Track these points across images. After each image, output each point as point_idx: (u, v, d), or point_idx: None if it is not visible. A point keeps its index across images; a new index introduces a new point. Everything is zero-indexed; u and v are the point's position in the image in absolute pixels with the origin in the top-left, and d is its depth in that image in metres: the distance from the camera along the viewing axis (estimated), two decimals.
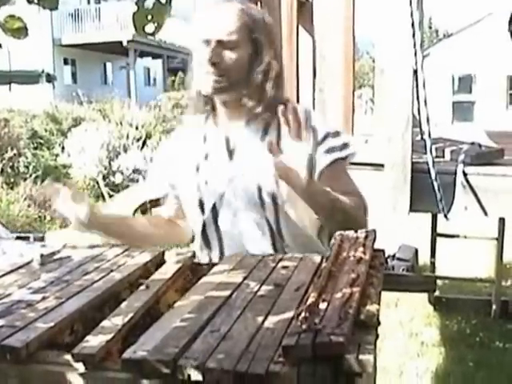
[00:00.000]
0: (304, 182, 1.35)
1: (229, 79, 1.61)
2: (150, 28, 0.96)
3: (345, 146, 1.61)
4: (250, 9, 1.66)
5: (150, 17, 0.94)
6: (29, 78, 17.40)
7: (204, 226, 1.67)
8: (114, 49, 22.14)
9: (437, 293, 4.58)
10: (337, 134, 1.63)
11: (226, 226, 1.64)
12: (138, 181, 10.21)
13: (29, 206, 8.77)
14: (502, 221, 4.43)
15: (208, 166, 1.65)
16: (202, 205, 1.66)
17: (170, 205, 1.81)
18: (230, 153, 1.64)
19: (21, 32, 1.18)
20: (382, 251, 1.22)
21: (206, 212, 1.65)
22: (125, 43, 21.23)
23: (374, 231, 1.30)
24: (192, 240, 1.78)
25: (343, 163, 1.61)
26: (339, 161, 1.59)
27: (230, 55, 1.61)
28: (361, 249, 1.14)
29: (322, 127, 1.61)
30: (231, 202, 1.61)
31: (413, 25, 2.52)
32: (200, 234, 1.69)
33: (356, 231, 1.29)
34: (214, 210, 1.64)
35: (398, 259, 5.29)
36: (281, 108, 1.40)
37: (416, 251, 5.74)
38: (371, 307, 0.91)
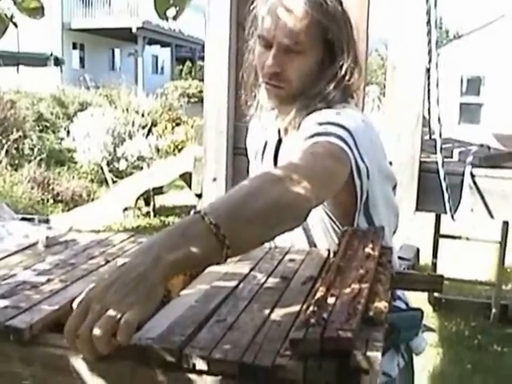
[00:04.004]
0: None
1: (291, 91, 1.36)
2: (171, 12, 0.94)
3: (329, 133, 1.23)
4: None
5: (171, 1, 0.92)
6: (37, 60, 17.49)
7: None
8: (123, 35, 22.11)
9: (436, 293, 4.58)
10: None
11: None
12: (142, 168, 10.22)
13: (32, 188, 8.81)
14: (505, 224, 4.42)
15: (264, 155, 1.53)
16: None
17: None
18: (279, 143, 1.50)
19: (37, 12, 1.17)
20: (390, 249, 1.21)
21: None
22: (134, 30, 21.21)
23: (383, 228, 1.29)
24: None
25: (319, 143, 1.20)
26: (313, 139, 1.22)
27: (295, 62, 1.33)
28: (370, 245, 1.13)
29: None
30: None
31: (428, 22, 2.50)
32: None
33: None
34: None
35: (400, 258, 5.29)
36: None
37: (417, 251, 5.75)
38: (379, 304, 0.90)
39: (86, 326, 0.78)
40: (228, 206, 0.91)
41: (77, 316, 0.80)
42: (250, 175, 1.61)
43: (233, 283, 1.06)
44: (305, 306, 0.88)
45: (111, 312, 0.78)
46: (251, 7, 1.43)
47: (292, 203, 0.98)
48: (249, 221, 0.91)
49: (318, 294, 0.89)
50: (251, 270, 1.14)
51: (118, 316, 0.77)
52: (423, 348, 1.47)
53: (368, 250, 1.10)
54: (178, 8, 0.94)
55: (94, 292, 0.82)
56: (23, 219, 1.64)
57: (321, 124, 1.27)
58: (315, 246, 1.44)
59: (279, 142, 1.51)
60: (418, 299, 4.64)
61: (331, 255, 1.19)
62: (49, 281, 1.08)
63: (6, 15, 1.23)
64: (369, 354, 0.77)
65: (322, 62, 1.36)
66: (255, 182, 1.00)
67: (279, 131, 1.51)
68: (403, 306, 1.46)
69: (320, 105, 1.35)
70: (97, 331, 0.77)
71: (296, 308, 0.94)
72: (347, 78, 1.37)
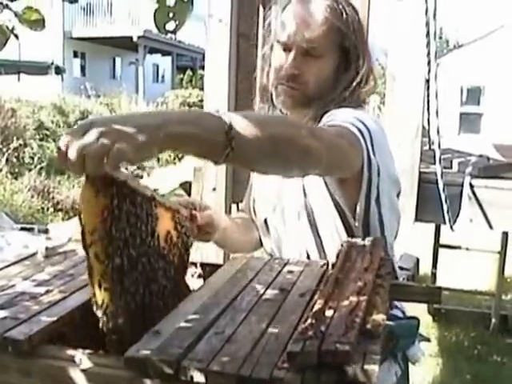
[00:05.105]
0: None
1: (307, 94, 1.38)
2: (171, 26, 0.95)
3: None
4: (342, 6, 1.37)
5: (171, 14, 0.93)
6: (38, 69, 17.52)
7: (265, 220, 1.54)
8: (124, 44, 22.15)
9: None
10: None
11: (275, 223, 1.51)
12: (142, 177, 10.22)
13: (32, 196, 8.80)
14: (505, 235, 4.42)
15: None
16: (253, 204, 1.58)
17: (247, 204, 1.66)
18: None
19: (38, 24, 1.18)
20: (390, 260, 1.21)
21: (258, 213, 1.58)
22: (135, 39, 21.24)
23: (382, 239, 1.30)
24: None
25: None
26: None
27: (312, 66, 1.36)
28: (368, 257, 1.13)
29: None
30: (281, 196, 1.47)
31: (428, 34, 2.51)
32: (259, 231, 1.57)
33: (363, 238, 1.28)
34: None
35: (399, 268, 5.28)
36: None
37: (417, 261, 5.74)
38: (377, 317, 0.90)
39: (82, 142, 0.80)
40: (245, 119, 0.96)
41: (75, 132, 0.82)
42: (253, 185, 1.61)
43: (231, 295, 1.06)
44: (303, 319, 0.89)
45: (108, 138, 0.80)
46: (268, 12, 1.46)
47: (304, 145, 1.02)
48: (257, 138, 0.95)
49: (316, 307, 0.89)
50: (250, 281, 1.14)
51: (113, 143, 0.80)
52: (419, 357, 1.47)
53: (367, 261, 1.11)
54: (177, 22, 0.95)
55: (97, 119, 0.84)
56: (22, 229, 1.64)
57: (336, 116, 1.30)
58: (323, 248, 1.44)
59: None
60: (417, 309, 4.63)
61: (330, 267, 1.19)
62: (48, 292, 1.08)
63: (7, 27, 1.24)
64: (366, 367, 0.77)
65: (338, 68, 1.40)
66: (277, 116, 1.07)
67: None
68: (400, 315, 1.46)
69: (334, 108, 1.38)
70: (90, 149, 0.80)
71: (294, 320, 0.94)
72: (362, 84, 1.41)
